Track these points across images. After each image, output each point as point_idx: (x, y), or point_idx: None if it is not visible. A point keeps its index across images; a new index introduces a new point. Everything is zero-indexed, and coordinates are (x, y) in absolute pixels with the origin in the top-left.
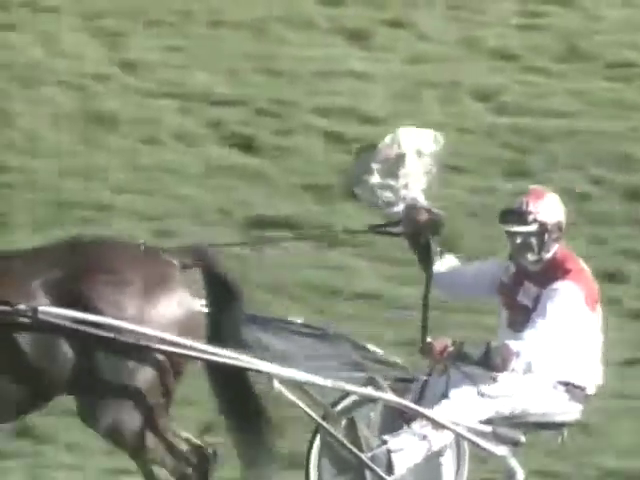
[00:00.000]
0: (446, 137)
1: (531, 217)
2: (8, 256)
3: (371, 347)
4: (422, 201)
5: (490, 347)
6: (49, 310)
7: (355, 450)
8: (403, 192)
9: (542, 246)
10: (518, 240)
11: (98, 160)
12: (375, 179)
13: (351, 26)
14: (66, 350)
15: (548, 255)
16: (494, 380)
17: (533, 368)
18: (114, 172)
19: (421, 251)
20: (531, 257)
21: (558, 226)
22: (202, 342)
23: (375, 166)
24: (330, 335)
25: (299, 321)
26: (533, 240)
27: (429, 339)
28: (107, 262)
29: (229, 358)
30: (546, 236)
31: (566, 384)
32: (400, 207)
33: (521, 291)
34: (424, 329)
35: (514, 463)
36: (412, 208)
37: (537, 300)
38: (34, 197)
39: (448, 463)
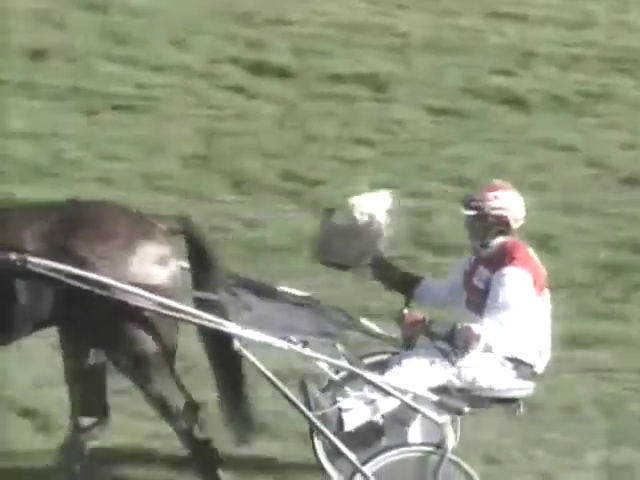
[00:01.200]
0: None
1: (474, 204)
2: (7, 209)
3: (364, 320)
4: (383, 252)
5: (455, 328)
6: (38, 261)
7: (304, 409)
8: (365, 249)
9: (484, 233)
10: (468, 224)
11: None
12: (337, 245)
13: None
14: (52, 294)
15: (494, 242)
16: (453, 357)
17: (492, 350)
18: None
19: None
20: (474, 241)
21: (502, 219)
22: (176, 300)
23: (336, 231)
24: (321, 306)
25: (293, 291)
26: (476, 225)
27: (405, 310)
28: (96, 218)
29: (195, 317)
30: (486, 224)
31: (514, 361)
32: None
33: (476, 275)
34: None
35: (449, 431)
36: (377, 258)
37: (488, 283)
38: None
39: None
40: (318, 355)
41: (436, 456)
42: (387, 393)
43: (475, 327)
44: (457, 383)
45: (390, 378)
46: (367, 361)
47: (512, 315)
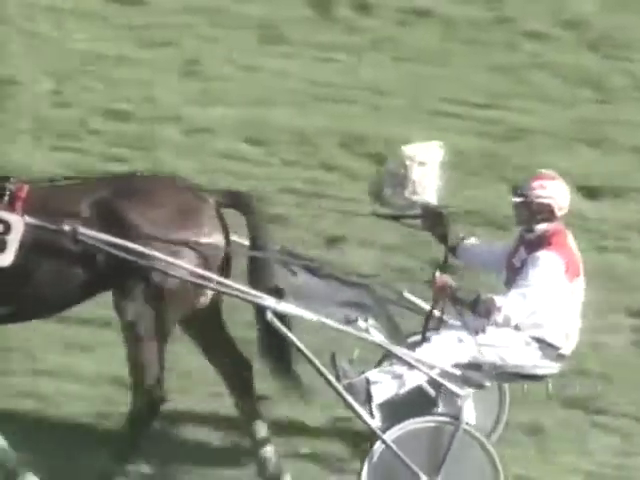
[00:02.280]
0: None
1: (521, 192)
2: (77, 183)
3: (409, 295)
4: (433, 202)
5: (479, 297)
6: (86, 232)
7: (330, 379)
8: (414, 197)
9: (529, 219)
10: (515, 210)
11: None
12: (387, 191)
13: None
14: (102, 260)
15: (537, 228)
16: (476, 332)
17: (511, 322)
18: None
19: (439, 237)
20: (520, 226)
21: (546, 207)
22: (215, 272)
23: (386, 181)
24: (371, 288)
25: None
26: (522, 212)
27: (437, 273)
28: (147, 189)
29: (232, 289)
30: (531, 211)
31: (539, 341)
32: (416, 209)
33: (517, 255)
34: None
35: (467, 404)
36: (426, 208)
37: (524, 263)
38: None
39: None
40: (347, 329)
41: (452, 427)
42: (413, 367)
43: (498, 299)
44: (482, 359)
45: (418, 354)
46: (412, 339)
47: (537, 293)
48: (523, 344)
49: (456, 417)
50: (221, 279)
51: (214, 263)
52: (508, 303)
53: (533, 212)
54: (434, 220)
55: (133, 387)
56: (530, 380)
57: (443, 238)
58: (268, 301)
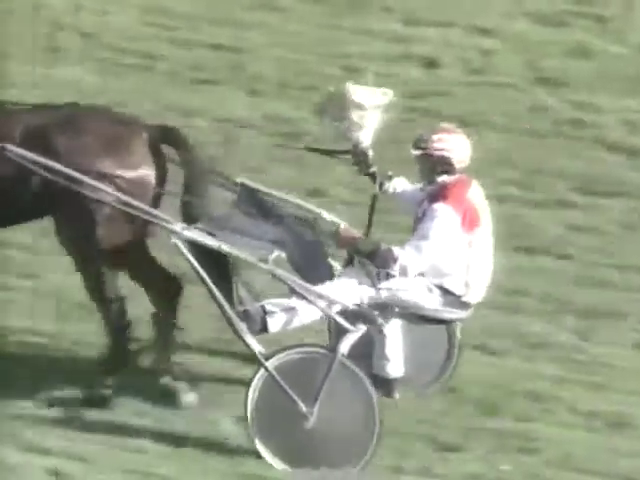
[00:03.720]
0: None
1: (420, 144)
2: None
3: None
4: (366, 142)
5: (379, 247)
6: (14, 150)
7: (224, 305)
8: (347, 134)
9: (429, 171)
10: (417, 163)
11: None
12: (326, 121)
13: None
14: (36, 185)
15: (438, 180)
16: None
17: (408, 273)
18: None
19: (366, 175)
20: (422, 178)
21: (445, 160)
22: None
23: (327, 111)
24: (309, 222)
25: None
26: (423, 165)
27: (342, 226)
28: (79, 118)
29: (144, 212)
30: (431, 164)
31: (440, 288)
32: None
33: (421, 207)
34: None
35: (351, 340)
36: (357, 146)
37: (423, 214)
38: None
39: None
40: (247, 257)
41: (328, 359)
42: (308, 300)
43: (396, 250)
44: (382, 301)
45: (320, 289)
46: None
47: (432, 246)
48: (425, 290)
49: (333, 349)
50: (140, 205)
51: (139, 192)
52: (404, 255)
53: (433, 164)
54: (362, 159)
55: (97, 310)
56: (437, 323)
57: (371, 176)
58: (176, 227)
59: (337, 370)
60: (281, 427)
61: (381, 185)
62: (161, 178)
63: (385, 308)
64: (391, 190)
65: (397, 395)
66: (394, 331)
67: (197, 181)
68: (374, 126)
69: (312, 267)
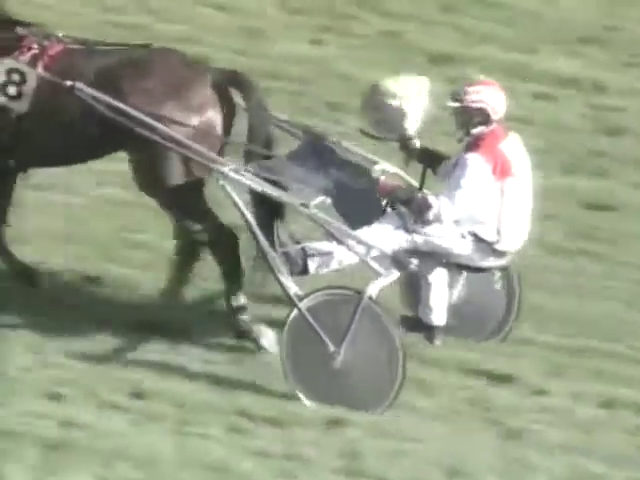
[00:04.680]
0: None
1: (457, 96)
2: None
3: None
4: (408, 131)
5: (415, 195)
6: (84, 89)
7: (264, 245)
8: (390, 122)
9: (466, 123)
10: (454, 115)
11: None
12: (370, 116)
13: None
14: (100, 118)
15: (474, 131)
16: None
17: (442, 220)
18: None
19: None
20: (459, 131)
21: (482, 111)
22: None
23: (368, 105)
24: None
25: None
26: (459, 116)
27: (382, 177)
28: (146, 60)
29: (200, 155)
30: (468, 115)
31: (473, 235)
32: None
33: (457, 156)
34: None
35: (381, 284)
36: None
37: (456, 164)
38: None
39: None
40: (289, 200)
41: (356, 301)
42: (346, 245)
43: (431, 199)
44: (419, 247)
45: (358, 233)
46: None
47: (464, 195)
48: (459, 236)
49: (359, 292)
50: (192, 144)
51: (203, 135)
52: (438, 203)
53: (470, 116)
54: (407, 144)
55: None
56: (472, 271)
57: (422, 160)
58: (224, 168)
59: (364, 312)
60: (311, 366)
61: (434, 170)
62: (227, 121)
63: (425, 256)
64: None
65: (438, 342)
66: (439, 280)
67: (260, 125)
68: (414, 113)
69: (362, 214)
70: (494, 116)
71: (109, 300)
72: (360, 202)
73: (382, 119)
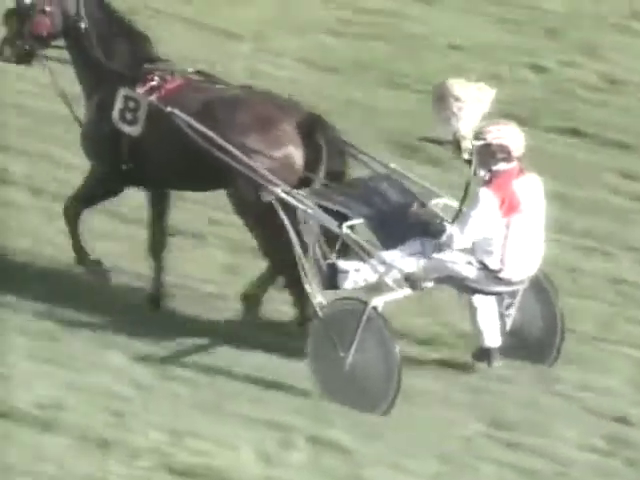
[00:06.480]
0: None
1: (480, 135)
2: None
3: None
4: (464, 133)
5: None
6: (179, 115)
7: (299, 252)
8: (448, 123)
9: (489, 160)
10: (476, 155)
11: None
12: (434, 112)
13: None
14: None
15: (494, 168)
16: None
17: (452, 247)
18: None
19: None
20: (481, 170)
21: (504, 148)
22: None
23: (434, 108)
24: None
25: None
26: (483, 154)
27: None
28: (244, 98)
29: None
30: (491, 152)
31: (479, 262)
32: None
33: None
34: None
35: (389, 297)
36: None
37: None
38: None
39: None
40: (326, 222)
41: (362, 310)
42: (371, 264)
43: (449, 228)
44: (434, 270)
45: (384, 254)
46: None
47: (471, 226)
48: (466, 262)
49: (365, 302)
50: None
51: (283, 169)
52: (450, 232)
53: (492, 153)
54: (459, 146)
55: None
56: (478, 293)
57: (467, 163)
58: (276, 189)
59: (368, 322)
60: (328, 368)
61: (475, 171)
62: (310, 160)
63: (445, 280)
64: None
65: (496, 364)
66: (485, 303)
67: (333, 164)
68: (472, 117)
69: (397, 239)
70: (515, 153)
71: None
72: (398, 228)
73: (441, 116)
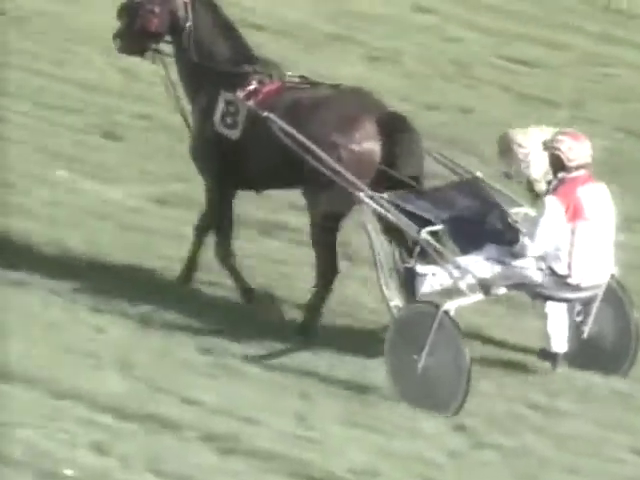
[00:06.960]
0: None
1: (547, 144)
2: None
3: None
4: (532, 175)
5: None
6: (275, 119)
7: (377, 258)
8: (515, 172)
9: (554, 169)
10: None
11: None
12: (502, 160)
13: None
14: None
15: (558, 175)
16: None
17: (525, 254)
18: None
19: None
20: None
21: (557, 158)
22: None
23: (502, 150)
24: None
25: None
26: (550, 163)
27: None
28: (328, 97)
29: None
30: (554, 161)
31: (549, 268)
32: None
33: None
34: None
35: (461, 302)
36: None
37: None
38: None
39: None
40: (406, 226)
41: (434, 313)
42: (447, 268)
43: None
44: (507, 276)
45: (457, 260)
46: None
47: (540, 233)
48: (537, 268)
49: (437, 305)
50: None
51: (362, 165)
52: (524, 240)
53: (560, 161)
54: (531, 187)
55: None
56: (549, 299)
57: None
58: (361, 193)
59: (440, 325)
60: (403, 369)
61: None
62: (388, 159)
63: (519, 286)
64: None
65: (560, 369)
66: (556, 310)
67: (409, 163)
68: (539, 161)
69: (477, 245)
70: (567, 163)
71: None
72: (476, 234)
73: (512, 165)
